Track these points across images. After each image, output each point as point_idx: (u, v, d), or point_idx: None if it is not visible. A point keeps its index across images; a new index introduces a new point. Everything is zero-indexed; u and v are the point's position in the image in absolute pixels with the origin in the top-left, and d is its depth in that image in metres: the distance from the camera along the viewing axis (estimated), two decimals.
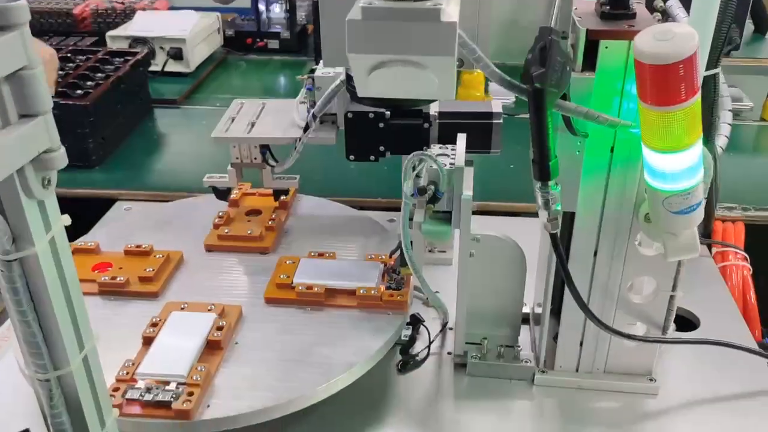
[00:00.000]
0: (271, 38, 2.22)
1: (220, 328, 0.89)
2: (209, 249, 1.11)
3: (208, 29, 2.11)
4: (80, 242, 1.10)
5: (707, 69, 1.09)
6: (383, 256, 1.05)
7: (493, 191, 1.38)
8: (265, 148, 1.11)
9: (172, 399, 0.79)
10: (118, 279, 1.00)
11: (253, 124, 1.11)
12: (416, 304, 1.09)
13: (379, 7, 0.58)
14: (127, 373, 0.83)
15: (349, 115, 0.97)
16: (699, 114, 0.68)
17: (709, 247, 1.26)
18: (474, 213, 0.89)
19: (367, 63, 0.60)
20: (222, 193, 1.17)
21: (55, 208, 0.61)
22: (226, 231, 1.12)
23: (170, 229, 1.17)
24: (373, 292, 0.97)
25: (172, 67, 1.99)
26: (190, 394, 0.80)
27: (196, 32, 2.01)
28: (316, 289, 0.97)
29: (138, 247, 1.07)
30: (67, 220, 0.64)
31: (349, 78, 0.89)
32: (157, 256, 1.05)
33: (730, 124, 1.54)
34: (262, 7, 2.23)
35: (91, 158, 1.52)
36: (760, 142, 1.69)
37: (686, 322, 1.10)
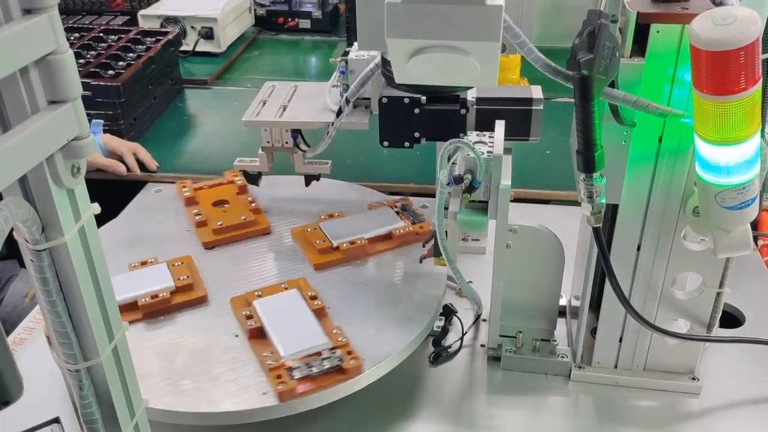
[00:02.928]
0: (303, 18, 2.19)
1: (313, 297, 0.91)
2: (209, 246, 1.07)
3: (239, 8, 2.09)
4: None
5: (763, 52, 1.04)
6: (385, 202, 1.11)
7: (528, 178, 1.35)
8: (296, 133, 1.08)
9: (339, 363, 0.81)
10: (160, 296, 0.93)
11: (284, 108, 1.09)
12: (449, 294, 1.07)
13: None
14: (275, 362, 0.81)
15: (384, 100, 0.94)
16: (759, 104, 0.64)
17: (756, 240, 1.21)
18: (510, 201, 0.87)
19: (407, 48, 0.58)
20: (252, 177, 1.15)
21: (84, 197, 0.59)
22: (219, 224, 1.08)
23: (148, 243, 1.09)
24: (404, 229, 1.04)
25: (203, 47, 1.97)
26: (349, 353, 0.83)
27: (227, 12, 1.99)
28: (358, 242, 1.02)
29: (144, 263, 1.00)
30: (96, 208, 0.62)
31: (385, 62, 0.86)
32: (176, 264, 0.99)
33: None
34: None
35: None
36: None
37: (730, 318, 1.06)
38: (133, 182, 1.40)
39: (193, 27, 1.95)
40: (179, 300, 0.94)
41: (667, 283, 0.86)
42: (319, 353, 0.83)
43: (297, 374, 0.80)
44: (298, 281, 0.95)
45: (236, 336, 0.88)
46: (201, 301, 0.95)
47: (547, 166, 1.42)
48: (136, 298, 0.92)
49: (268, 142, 1.10)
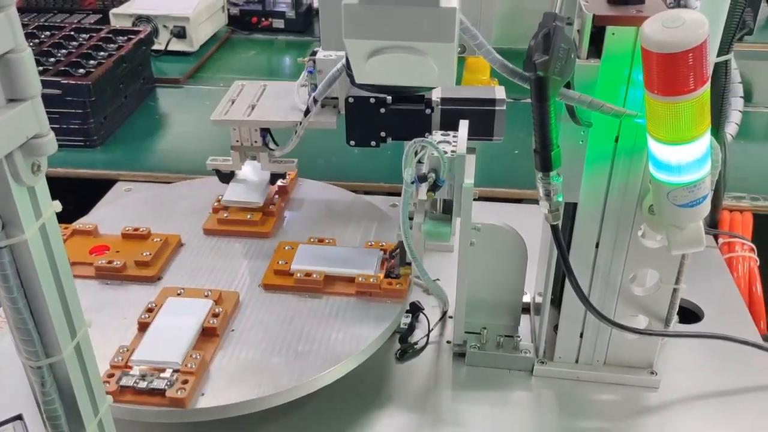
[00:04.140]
0: (276, 17, 2.19)
1: (216, 315, 0.89)
2: (208, 233, 1.10)
3: (212, 8, 2.09)
4: (79, 224, 1.09)
5: (719, 55, 1.07)
6: (383, 244, 1.04)
7: (495, 177, 1.37)
8: (265, 132, 1.09)
9: (166, 387, 0.78)
10: (114, 263, 1.00)
11: (253, 107, 1.09)
12: (416, 291, 1.08)
13: None
14: (122, 360, 0.82)
15: (350, 100, 0.95)
16: (708, 104, 0.66)
17: (716, 238, 1.24)
18: (476, 199, 0.88)
19: (365, 49, 0.59)
20: (225, 177, 1.16)
21: (45, 194, 0.60)
22: (225, 215, 1.11)
23: (169, 212, 1.17)
24: (372, 279, 0.96)
25: (176, 45, 1.96)
26: (185, 382, 0.79)
27: (199, 11, 1.99)
28: (314, 275, 0.96)
29: (136, 230, 1.07)
30: (57, 206, 0.62)
31: (348, 62, 0.87)
32: (155, 240, 1.04)
33: (741, 111, 1.52)
34: None
35: (93, 138, 1.51)
36: None
37: (690, 313, 1.09)
38: (102, 181, 1.40)
39: (165, 26, 1.95)
40: (130, 273, 1.00)
41: (626, 279, 0.88)
42: (162, 369, 0.81)
43: (123, 380, 0.79)
44: (221, 293, 0.93)
45: (125, 318, 0.91)
46: (148, 279, 0.99)
47: (515, 166, 1.44)
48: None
49: (237, 141, 1.10)
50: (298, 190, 1.24)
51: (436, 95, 0.96)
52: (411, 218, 0.90)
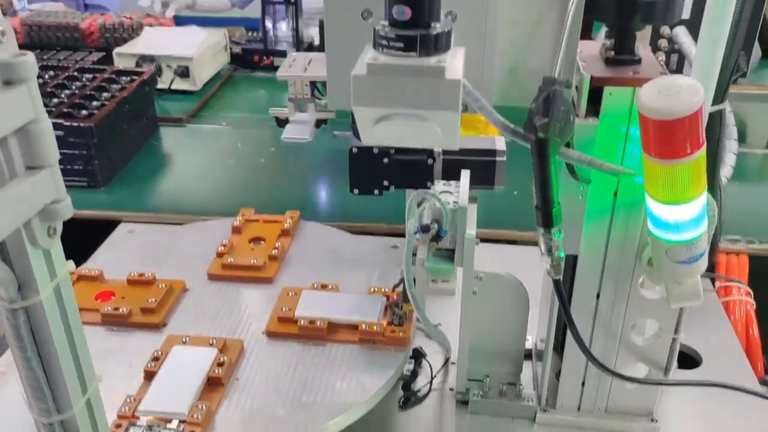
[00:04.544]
0: (278, 56, 2.23)
1: (221, 364, 0.90)
2: (212, 278, 1.11)
3: (216, 47, 2.13)
4: (85, 269, 1.11)
5: (714, 104, 1.09)
6: (386, 289, 1.05)
7: (496, 218, 1.38)
8: (313, 86, 1.48)
9: None
10: (120, 310, 1.01)
11: (305, 68, 1.49)
12: (419, 336, 1.09)
13: (384, 63, 0.58)
14: (129, 410, 0.83)
15: (354, 150, 0.97)
16: (704, 166, 0.68)
17: (713, 281, 1.25)
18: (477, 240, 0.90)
19: (372, 116, 0.61)
20: (282, 122, 1.55)
21: (60, 255, 0.61)
22: (229, 260, 1.12)
23: (174, 256, 1.18)
24: (375, 327, 0.97)
25: (179, 85, 2.00)
26: None
27: (203, 50, 2.03)
28: (318, 323, 0.98)
29: (141, 275, 1.08)
30: (71, 266, 0.64)
31: (353, 118, 0.89)
32: (160, 286, 1.06)
33: (735, 154, 1.54)
34: (269, 25, 2.24)
35: (97, 179, 1.53)
36: (766, 171, 1.69)
37: (688, 358, 1.10)
38: (106, 222, 1.41)
39: (168, 66, 1.98)
40: (135, 319, 1.01)
41: (626, 328, 0.89)
42: (169, 420, 0.82)
43: (131, 430, 0.81)
44: (225, 341, 0.94)
45: (131, 366, 0.92)
46: (153, 327, 1.00)
47: (514, 207, 1.45)
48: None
49: (293, 94, 1.51)
50: (301, 232, 1.25)
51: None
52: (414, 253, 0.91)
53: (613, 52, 0.79)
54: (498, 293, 0.94)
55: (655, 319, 0.88)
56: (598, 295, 0.87)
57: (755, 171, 1.67)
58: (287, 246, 1.19)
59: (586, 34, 0.91)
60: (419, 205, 0.88)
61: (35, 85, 0.54)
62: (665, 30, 1.67)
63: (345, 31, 0.74)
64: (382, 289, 1.05)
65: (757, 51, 1.92)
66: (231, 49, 2.24)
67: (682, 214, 0.70)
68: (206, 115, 1.94)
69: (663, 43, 1.68)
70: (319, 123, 1.53)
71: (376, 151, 0.96)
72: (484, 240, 1.22)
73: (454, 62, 0.60)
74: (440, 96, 0.58)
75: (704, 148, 0.66)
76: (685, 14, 1.68)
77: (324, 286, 1.07)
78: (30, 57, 0.52)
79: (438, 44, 0.59)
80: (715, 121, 1.11)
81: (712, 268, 1.27)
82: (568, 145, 0.74)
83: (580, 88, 0.78)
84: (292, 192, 1.56)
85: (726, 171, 1.52)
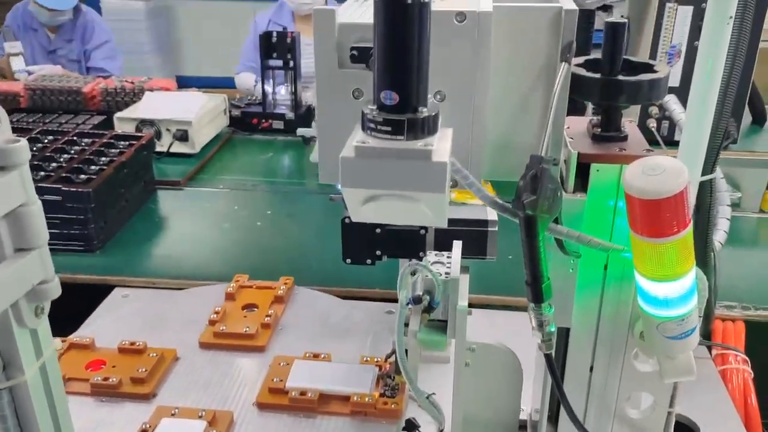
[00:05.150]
0: (276, 119, 2.26)
1: None
2: (204, 346, 1.10)
3: (215, 110, 2.16)
4: (76, 337, 1.10)
5: (703, 174, 1.11)
6: (378, 359, 1.04)
7: (490, 283, 1.38)
8: None
9: None
10: (110, 380, 0.99)
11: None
12: (412, 406, 1.07)
13: (372, 146, 0.59)
14: None
15: (347, 220, 0.98)
16: (691, 243, 0.69)
17: (709, 349, 1.24)
18: (470, 306, 0.89)
19: (361, 196, 0.62)
20: (307, 140, 1.55)
21: (47, 334, 0.61)
22: (221, 328, 1.12)
23: (166, 323, 1.17)
24: (367, 399, 0.95)
25: (178, 148, 2.02)
26: None
27: (202, 115, 2.06)
28: (309, 394, 0.96)
29: (132, 344, 1.07)
30: (57, 344, 0.64)
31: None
32: (151, 355, 1.05)
33: (729, 219, 1.55)
34: (268, 89, 2.28)
35: (93, 243, 1.54)
36: (759, 235, 1.70)
37: (686, 429, 1.08)
38: (100, 286, 1.41)
39: (168, 129, 2.01)
40: (126, 390, 0.99)
41: (621, 401, 0.88)
42: None
43: None
44: (215, 413, 0.93)
45: None
46: (143, 397, 0.99)
47: (508, 271, 1.46)
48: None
49: None
50: (294, 299, 1.25)
51: None
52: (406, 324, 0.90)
53: (599, 129, 0.81)
54: (491, 364, 0.94)
55: (650, 392, 0.88)
56: (591, 368, 0.87)
57: (750, 235, 1.68)
58: (280, 313, 1.19)
59: (579, 110, 0.93)
60: (411, 275, 0.88)
61: (27, 168, 0.55)
62: (653, 109, 1.71)
63: (336, 109, 0.75)
64: (375, 359, 1.04)
65: (747, 117, 1.95)
66: (230, 112, 2.28)
67: (671, 291, 0.70)
68: (204, 177, 1.95)
69: (654, 110, 1.72)
70: None
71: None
72: (477, 306, 1.22)
73: (441, 144, 0.61)
74: (427, 178, 0.59)
75: (690, 226, 0.67)
76: (675, 82, 1.73)
77: (316, 356, 1.06)
78: (23, 143, 0.53)
79: (425, 127, 0.60)
80: (706, 190, 1.12)
81: (708, 335, 1.27)
82: (556, 221, 0.75)
83: (568, 164, 0.79)
84: (288, 255, 1.56)
85: (720, 236, 1.53)
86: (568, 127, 0.84)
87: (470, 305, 0.92)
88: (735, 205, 1.77)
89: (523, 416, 1.03)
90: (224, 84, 3.04)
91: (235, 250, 1.60)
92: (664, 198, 0.64)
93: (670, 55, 1.60)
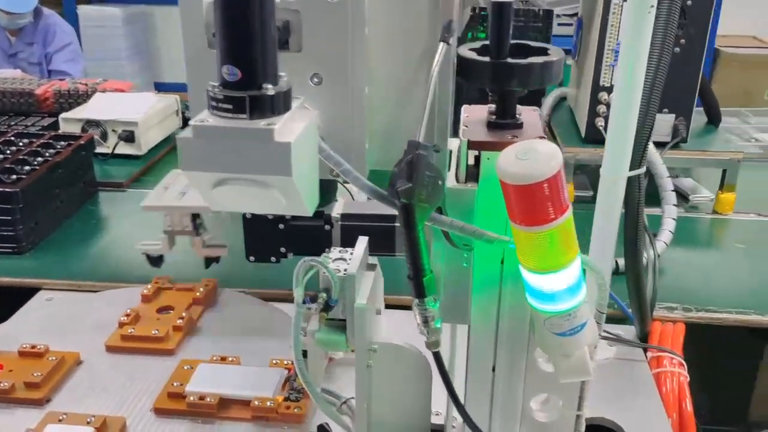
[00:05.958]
0: None
1: None
2: (110, 350, 1.06)
3: (165, 111, 2.12)
4: None
5: (631, 169, 1.07)
6: (288, 362, 1.00)
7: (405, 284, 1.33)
8: (195, 217, 1.11)
9: None
10: (2, 384, 0.95)
11: (184, 194, 1.12)
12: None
13: (211, 125, 0.55)
14: None
15: (248, 215, 0.93)
16: (573, 231, 0.65)
17: (645, 351, 1.20)
18: (388, 307, 0.85)
19: (206, 180, 0.57)
20: (155, 261, 1.16)
21: None
22: (130, 331, 1.07)
23: (78, 326, 1.13)
24: (268, 403, 0.91)
25: (124, 149, 1.97)
26: None
27: (150, 115, 2.01)
28: (208, 399, 0.92)
29: (33, 347, 1.02)
30: None
31: None
32: (50, 359, 1.00)
33: (674, 219, 1.51)
34: None
35: (22, 244, 1.49)
36: (712, 237, 1.66)
37: None
38: (25, 289, 1.36)
39: (114, 130, 1.96)
40: (18, 395, 0.95)
41: (526, 405, 0.84)
42: None
43: None
44: (105, 419, 0.89)
45: None
46: (36, 402, 0.94)
47: None
48: None
49: (170, 226, 1.13)
50: (219, 301, 1.20)
51: (336, 211, 0.94)
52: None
53: (494, 116, 0.77)
54: (396, 365, 0.89)
55: (556, 393, 0.83)
56: (494, 368, 0.82)
57: (698, 237, 1.64)
58: (197, 315, 1.14)
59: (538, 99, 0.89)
60: (307, 273, 0.84)
61: None
62: (603, 96, 1.67)
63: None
64: (284, 362, 1.00)
65: (702, 118, 1.93)
66: (184, 113, 2.23)
67: (555, 283, 0.66)
68: (149, 179, 1.91)
69: (602, 108, 1.68)
70: (207, 263, 1.15)
71: (270, 216, 0.92)
72: (394, 306, 1.17)
73: (290, 125, 0.57)
74: (271, 160, 0.55)
75: (569, 212, 0.63)
76: None
77: (223, 359, 1.01)
78: None
79: (273, 106, 0.56)
80: (633, 186, 1.08)
81: (645, 337, 1.23)
82: (440, 210, 0.70)
83: (460, 152, 0.75)
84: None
85: (665, 236, 1.50)
86: (467, 116, 0.80)
87: (392, 306, 0.88)
88: (694, 207, 1.74)
89: (440, 420, 0.99)
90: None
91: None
92: (536, 182, 0.60)
93: (617, 52, 1.56)
